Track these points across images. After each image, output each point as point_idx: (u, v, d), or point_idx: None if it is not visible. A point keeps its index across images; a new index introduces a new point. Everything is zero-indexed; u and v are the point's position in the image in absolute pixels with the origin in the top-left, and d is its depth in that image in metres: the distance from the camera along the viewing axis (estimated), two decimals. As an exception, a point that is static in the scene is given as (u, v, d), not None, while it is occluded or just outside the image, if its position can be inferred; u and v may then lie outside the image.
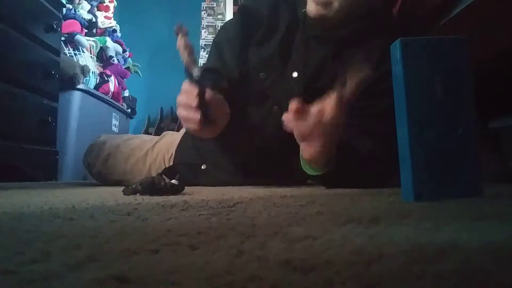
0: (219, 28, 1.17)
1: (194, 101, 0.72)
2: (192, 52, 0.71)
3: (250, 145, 0.88)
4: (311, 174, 0.79)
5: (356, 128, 0.88)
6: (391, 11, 1.03)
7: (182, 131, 1.21)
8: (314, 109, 0.67)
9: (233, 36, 1.00)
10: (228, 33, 1.02)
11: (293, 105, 0.67)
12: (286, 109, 0.92)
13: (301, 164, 0.80)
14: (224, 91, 0.84)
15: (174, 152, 1.14)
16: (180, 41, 0.70)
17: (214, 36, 2.92)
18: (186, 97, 0.74)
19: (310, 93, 0.91)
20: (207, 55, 2.85)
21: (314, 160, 0.75)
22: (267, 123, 0.94)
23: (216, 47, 1.03)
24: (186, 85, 0.74)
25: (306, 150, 0.73)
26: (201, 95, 0.71)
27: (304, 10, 0.92)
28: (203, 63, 1.24)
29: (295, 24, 0.95)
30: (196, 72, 0.71)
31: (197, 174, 1.03)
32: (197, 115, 0.73)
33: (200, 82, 0.71)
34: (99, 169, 1.20)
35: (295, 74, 0.93)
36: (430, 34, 0.98)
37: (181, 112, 0.76)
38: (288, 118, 0.69)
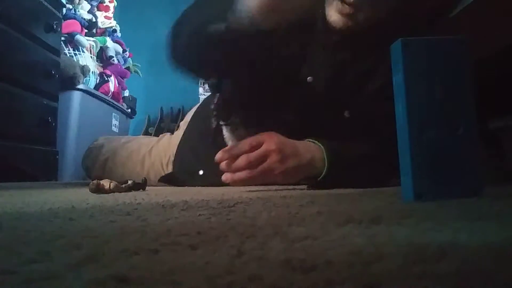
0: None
1: None
2: None
3: None
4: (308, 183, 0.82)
5: (354, 130, 0.88)
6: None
7: (179, 132, 1.21)
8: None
9: None
10: None
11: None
12: (301, 115, 0.91)
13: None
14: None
15: (171, 156, 1.15)
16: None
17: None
18: None
19: (325, 98, 0.90)
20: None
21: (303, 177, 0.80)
22: (282, 130, 0.90)
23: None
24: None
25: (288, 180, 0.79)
26: None
27: (322, 10, 0.88)
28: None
29: (311, 27, 0.90)
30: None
31: (195, 178, 1.04)
32: None
33: None
34: (97, 173, 1.21)
35: (310, 79, 0.91)
36: (430, 34, 0.97)
37: None
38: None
